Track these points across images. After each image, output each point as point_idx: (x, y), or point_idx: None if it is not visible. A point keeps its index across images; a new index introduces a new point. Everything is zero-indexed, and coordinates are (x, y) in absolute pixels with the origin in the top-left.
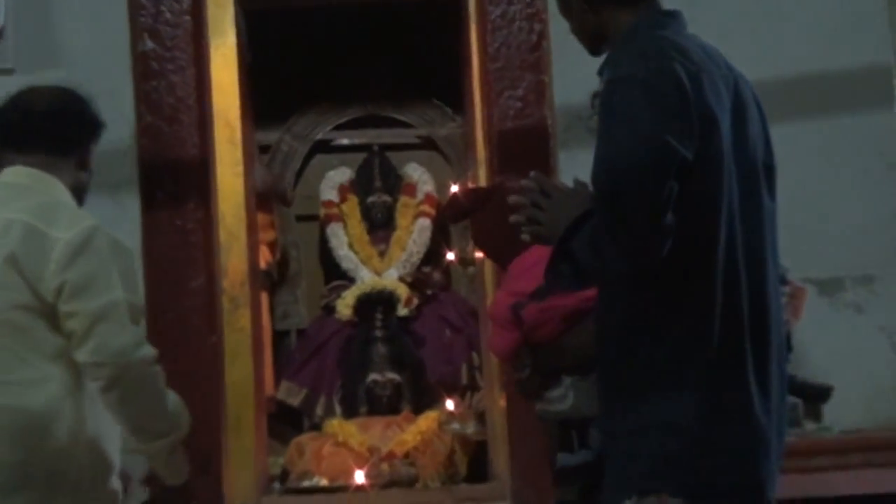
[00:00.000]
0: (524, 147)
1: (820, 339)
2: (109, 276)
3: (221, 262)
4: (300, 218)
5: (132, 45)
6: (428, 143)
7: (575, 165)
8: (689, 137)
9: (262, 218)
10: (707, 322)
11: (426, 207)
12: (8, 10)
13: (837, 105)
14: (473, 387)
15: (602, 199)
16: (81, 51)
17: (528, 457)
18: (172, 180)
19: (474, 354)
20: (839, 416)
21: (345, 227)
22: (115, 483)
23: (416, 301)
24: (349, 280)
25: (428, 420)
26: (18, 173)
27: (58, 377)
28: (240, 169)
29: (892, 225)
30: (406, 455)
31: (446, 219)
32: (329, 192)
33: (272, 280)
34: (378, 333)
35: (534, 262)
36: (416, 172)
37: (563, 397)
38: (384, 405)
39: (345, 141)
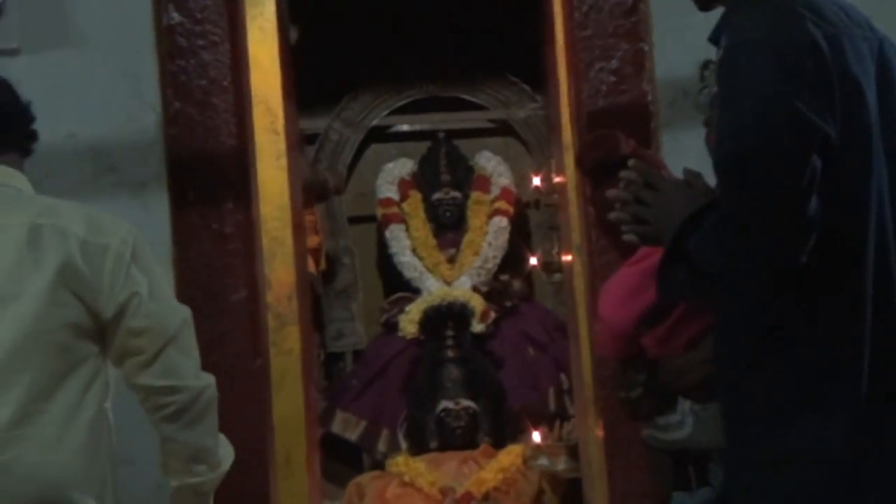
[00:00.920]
0: (620, 129)
1: None
2: (168, 288)
3: (265, 272)
4: (354, 220)
5: (156, 19)
6: (503, 128)
7: (681, 149)
8: (830, 110)
9: (306, 220)
10: (857, 330)
11: (503, 204)
12: None
13: None
14: (563, 415)
15: (729, 185)
16: (97, 26)
17: (631, 496)
18: (206, 177)
19: (563, 377)
20: None
21: (407, 228)
22: None
23: (493, 315)
24: (414, 291)
25: (511, 455)
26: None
27: (92, 407)
28: (283, 162)
29: None
30: (486, 496)
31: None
32: (387, 189)
33: (316, 294)
34: (449, 353)
35: None
36: (490, 163)
37: (680, 424)
38: (458, 438)
39: (405, 127)
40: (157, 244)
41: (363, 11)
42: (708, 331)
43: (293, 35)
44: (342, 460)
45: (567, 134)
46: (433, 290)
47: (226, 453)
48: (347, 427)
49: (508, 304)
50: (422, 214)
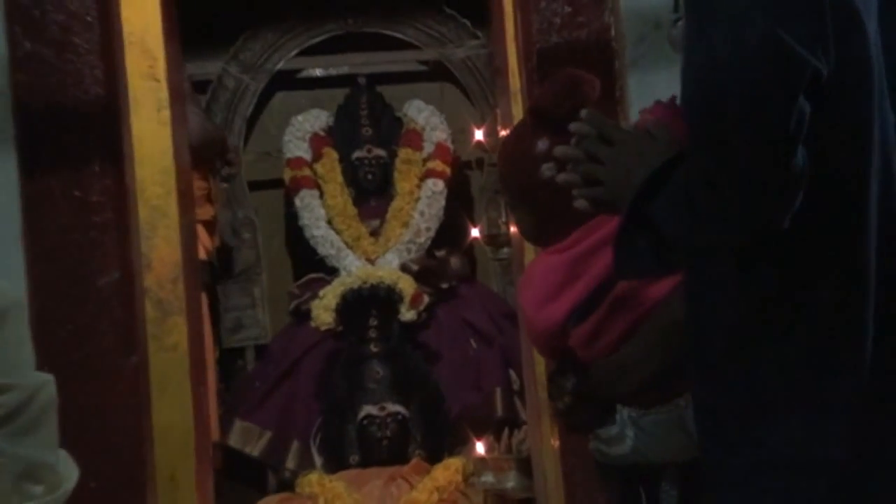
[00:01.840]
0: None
1: None
2: None
3: (143, 250)
4: (256, 185)
5: None
6: (438, 72)
7: (651, 95)
8: (822, 39)
9: (195, 186)
10: (856, 310)
11: (437, 164)
12: None
13: None
14: (513, 421)
15: (698, 134)
16: None
17: None
18: (65, 133)
19: (512, 374)
20: None
21: (321, 195)
22: None
23: (426, 299)
24: (329, 272)
25: (448, 471)
26: None
27: None
28: (165, 115)
29: None
30: None
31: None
32: (296, 147)
33: (212, 276)
34: (373, 348)
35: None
36: (422, 114)
37: (621, 437)
38: (385, 451)
39: (317, 71)
40: (2, 215)
41: None
42: (641, 324)
43: None
44: (242, 480)
45: (515, 78)
46: (353, 269)
47: (68, 470)
48: (248, 439)
49: (445, 285)
50: (339, 178)
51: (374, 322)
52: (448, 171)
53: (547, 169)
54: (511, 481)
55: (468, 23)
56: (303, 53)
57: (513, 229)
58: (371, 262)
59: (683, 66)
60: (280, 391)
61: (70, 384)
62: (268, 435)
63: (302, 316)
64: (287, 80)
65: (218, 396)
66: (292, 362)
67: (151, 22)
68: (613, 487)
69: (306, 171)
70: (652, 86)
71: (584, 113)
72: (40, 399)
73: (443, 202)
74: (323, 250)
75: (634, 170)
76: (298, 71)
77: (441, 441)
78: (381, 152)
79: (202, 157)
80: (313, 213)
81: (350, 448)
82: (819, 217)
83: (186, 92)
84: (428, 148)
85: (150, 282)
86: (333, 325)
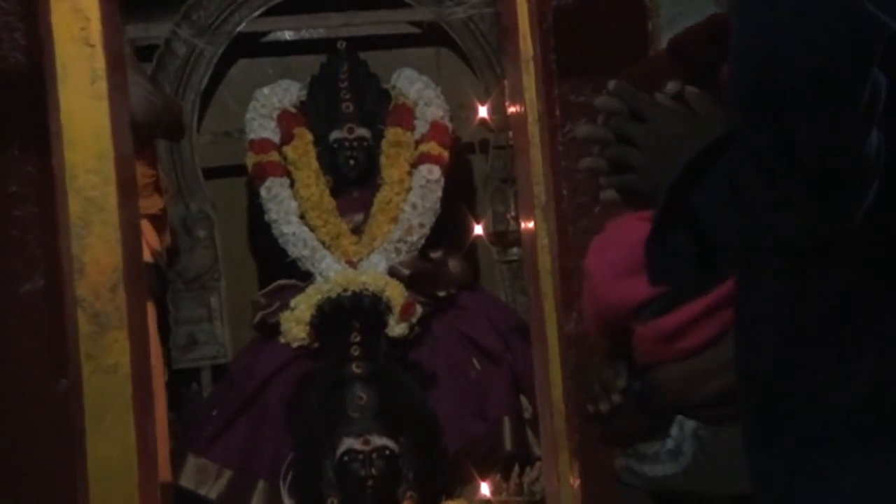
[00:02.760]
0: (601, 33)
1: None
2: None
3: (74, 251)
4: (212, 172)
5: None
6: (433, 35)
7: None
8: None
9: (140, 173)
10: None
11: (433, 146)
12: None
13: None
14: (524, 456)
15: (751, 113)
16: None
17: None
18: None
19: (524, 400)
20: None
21: (292, 184)
22: None
23: (419, 310)
24: (302, 277)
25: None
26: None
27: None
28: (102, 87)
29: None
30: None
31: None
32: (262, 126)
33: (161, 282)
34: (355, 369)
35: None
36: (415, 86)
37: (674, 454)
38: (370, 492)
39: (287, 35)
40: None
41: None
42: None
43: None
44: None
45: (526, 42)
46: (331, 274)
47: None
48: (204, 479)
49: (442, 293)
50: (314, 163)
51: (356, 338)
52: (445, 155)
53: None
54: None
55: None
56: (269, 12)
57: (523, 226)
58: (353, 265)
59: (734, 34)
60: (242, 421)
61: None
62: (228, 474)
63: (269, 330)
64: (250, 45)
65: (168, 428)
66: (257, 386)
67: None
68: None
69: (274, 156)
70: None
71: (612, 84)
72: None
73: (439, 193)
74: (294, 251)
75: (672, 154)
76: (264, 34)
77: (437, 481)
78: (364, 132)
79: (148, 137)
80: (283, 205)
81: (328, 489)
82: (893, 213)
83: (127, 59)
84: (421, 127)
85: (83, 290)
86: (307, 342)
